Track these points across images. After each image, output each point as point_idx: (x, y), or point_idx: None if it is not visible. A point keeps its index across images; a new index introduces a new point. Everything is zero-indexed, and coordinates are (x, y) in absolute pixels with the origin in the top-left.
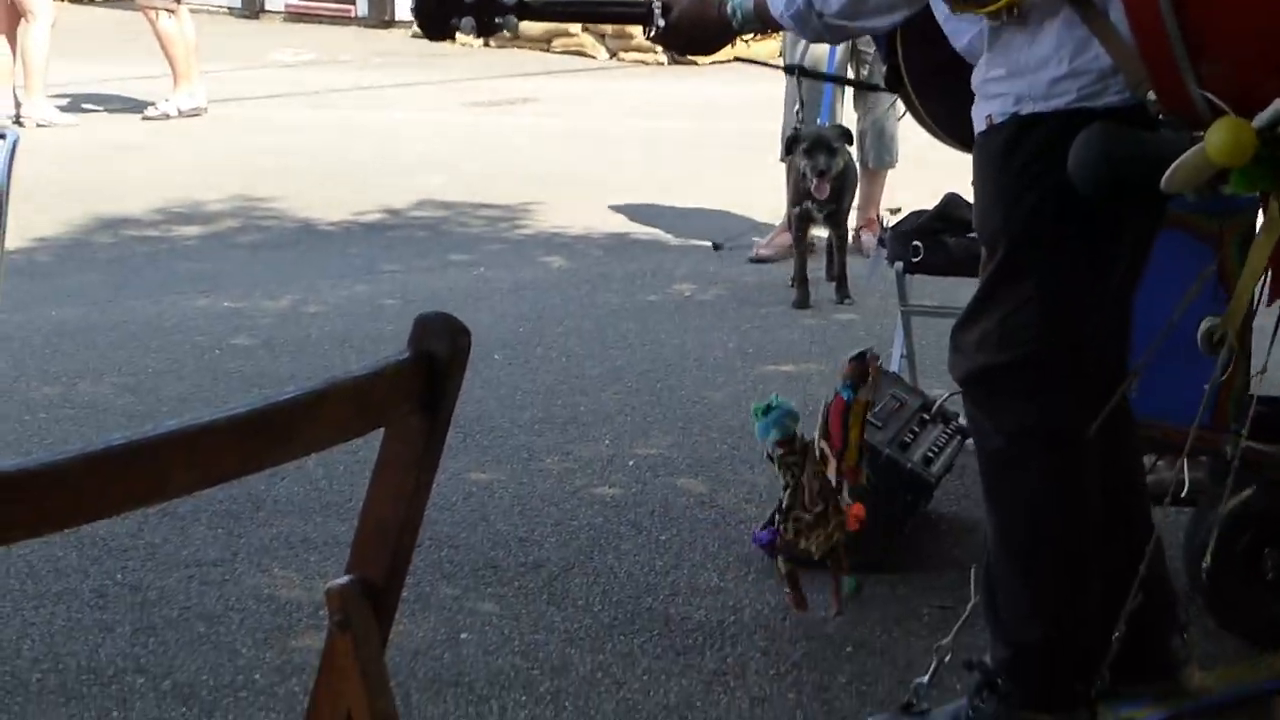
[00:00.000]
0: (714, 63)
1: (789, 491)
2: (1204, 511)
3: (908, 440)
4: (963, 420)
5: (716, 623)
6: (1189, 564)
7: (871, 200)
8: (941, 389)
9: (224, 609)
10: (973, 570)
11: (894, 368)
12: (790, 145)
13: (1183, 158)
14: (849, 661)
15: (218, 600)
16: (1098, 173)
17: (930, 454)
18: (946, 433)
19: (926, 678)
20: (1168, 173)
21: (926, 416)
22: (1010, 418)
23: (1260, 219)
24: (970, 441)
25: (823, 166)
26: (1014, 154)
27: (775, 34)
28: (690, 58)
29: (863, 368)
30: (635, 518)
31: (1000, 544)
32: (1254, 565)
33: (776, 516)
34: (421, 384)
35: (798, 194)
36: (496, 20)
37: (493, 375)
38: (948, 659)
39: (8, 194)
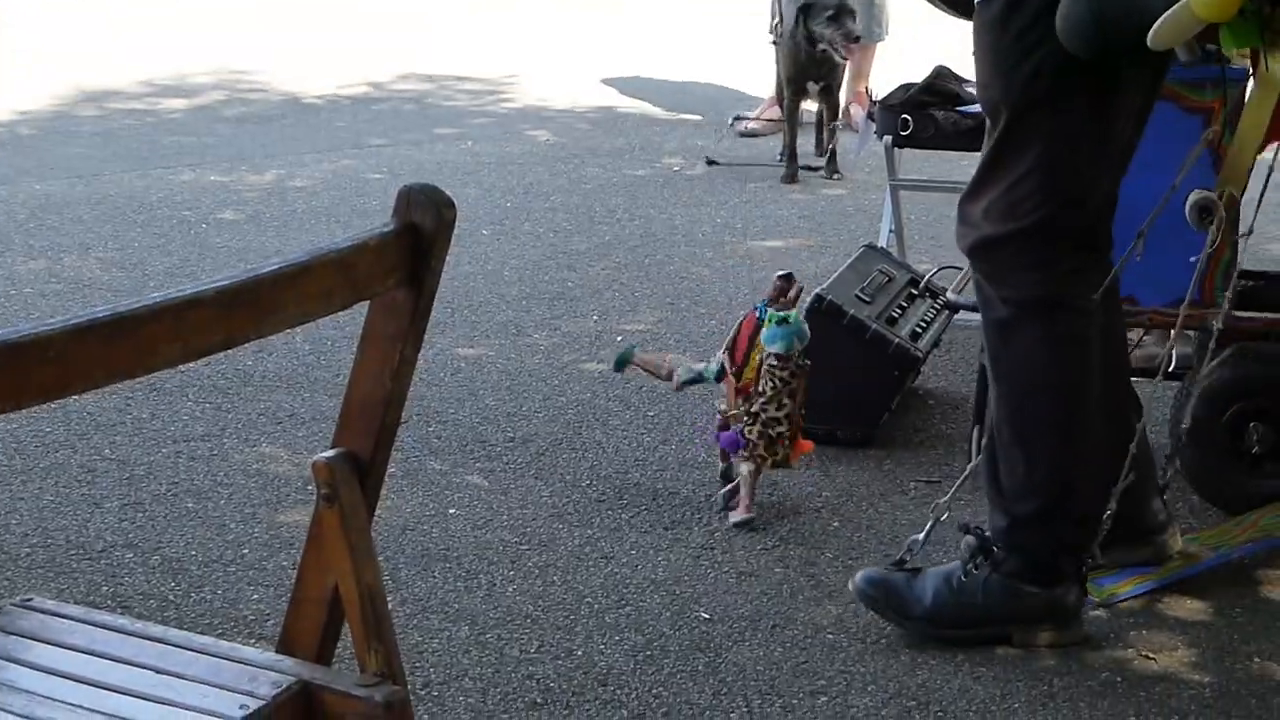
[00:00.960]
0: None
1: (765, 400)
2: (1188, 385)
3: (895, 315)
4: (951, 295)
5: (704, 497)
6: (1174, 437)
7: (861, 74)
8: (929, 263)
9: (212, 484)
10: (973, 433)
11: (882, 242)
12: (805, 12)
13: (1168, 13)
14: (835, 536)
15: (205, 475)
16: (1087, 33)
17: (918, 328)
18: (934, 308)
19: (921, 535)
20: (1154, 28)
21: (915, 291)
22: (1015, 287)
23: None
24: (958, 316)
25: (857, 32)
26: (1011, 20)
27: None
28: None
29: (785, 287)
30: (623, 393)
31: (1003, 414)
32: (1237, 439)
33: (745, 419)
34: (406, 257)
35: (795, 66)
36: None
37: (480, 250)
38: (944, 517)
39: None
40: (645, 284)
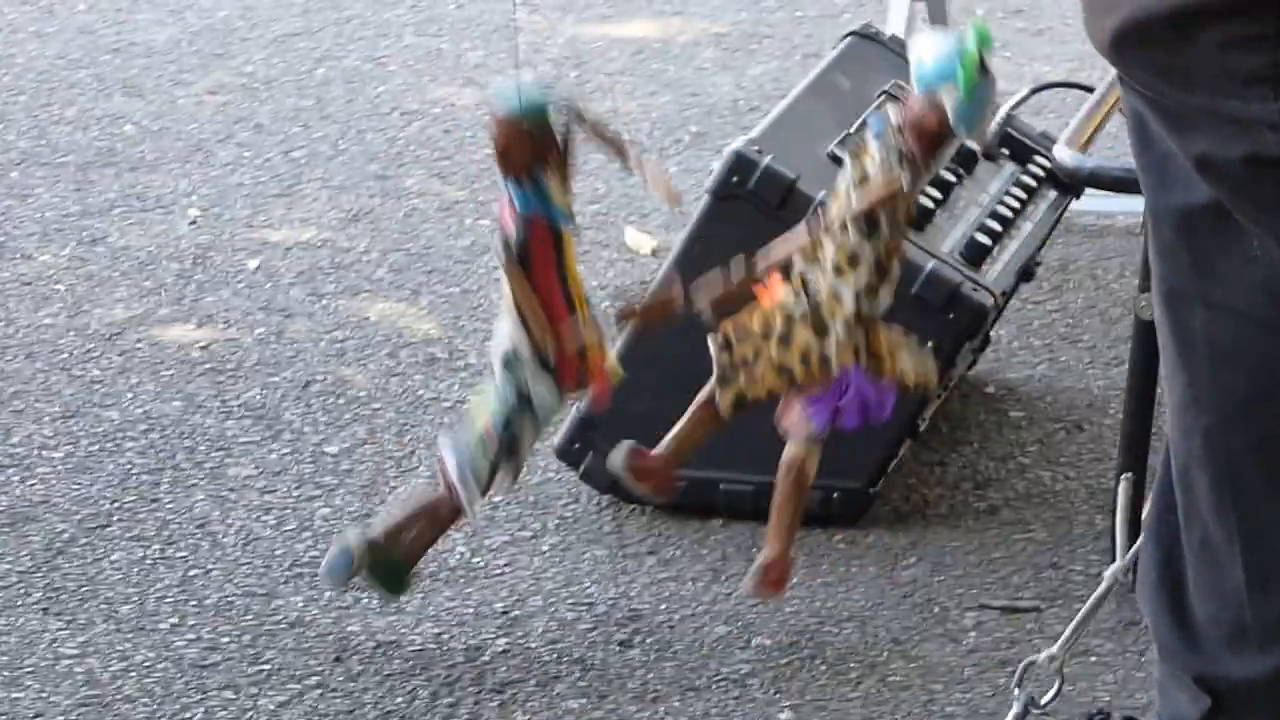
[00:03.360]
0: None
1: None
2: None
3: (927, 207)
4: (1065, 152)
5: None
6: None
7: None
8: (1008, 80)
9: None
10: (1116, 492)
11: (895, 26)
12: None
13: None
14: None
15: None
16: None
17: (983, 237)
18: (1021, 184)
19: None
20: None
21: (974, 147)
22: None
23: None
24: (1082, 204)
25: None
26: None
27: None
28: None
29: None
30: None
31: (1205, 469)
32: None
33: None
34: None
35: None
36: None
37: None
38: (1048, 699)
39: None
40: None
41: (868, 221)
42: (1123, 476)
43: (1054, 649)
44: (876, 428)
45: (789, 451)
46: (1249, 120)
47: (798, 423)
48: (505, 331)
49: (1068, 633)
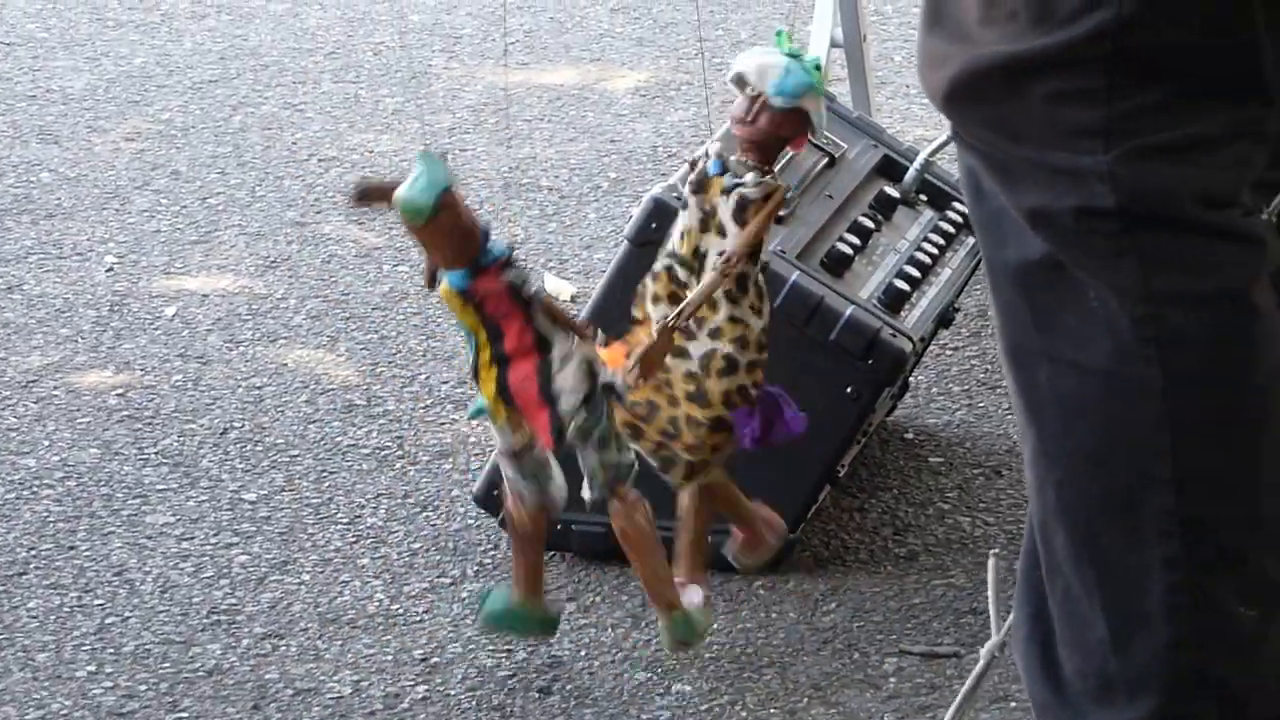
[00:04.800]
0: None
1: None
2: None
3: (845, 250)
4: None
5: None
6: None
7: None
8: (925, 125)
9: None
10: (990, 563)
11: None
12: None
13: None
14: None
15: None
16: None
17: (902, 282)
18: (940, 229)
19: None
20: None
21: (891, 192)
22: (1043, 190)
23: None
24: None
25: None
26: None
27: None
28: None
29: None
30: None
31: (1055, 512)
32: None
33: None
34: None
35: None
36: None
37: None
38: None
39: None
40: None
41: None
42: (991, 554)
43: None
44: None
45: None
46: (1079, 172)
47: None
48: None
49: (950, 714)
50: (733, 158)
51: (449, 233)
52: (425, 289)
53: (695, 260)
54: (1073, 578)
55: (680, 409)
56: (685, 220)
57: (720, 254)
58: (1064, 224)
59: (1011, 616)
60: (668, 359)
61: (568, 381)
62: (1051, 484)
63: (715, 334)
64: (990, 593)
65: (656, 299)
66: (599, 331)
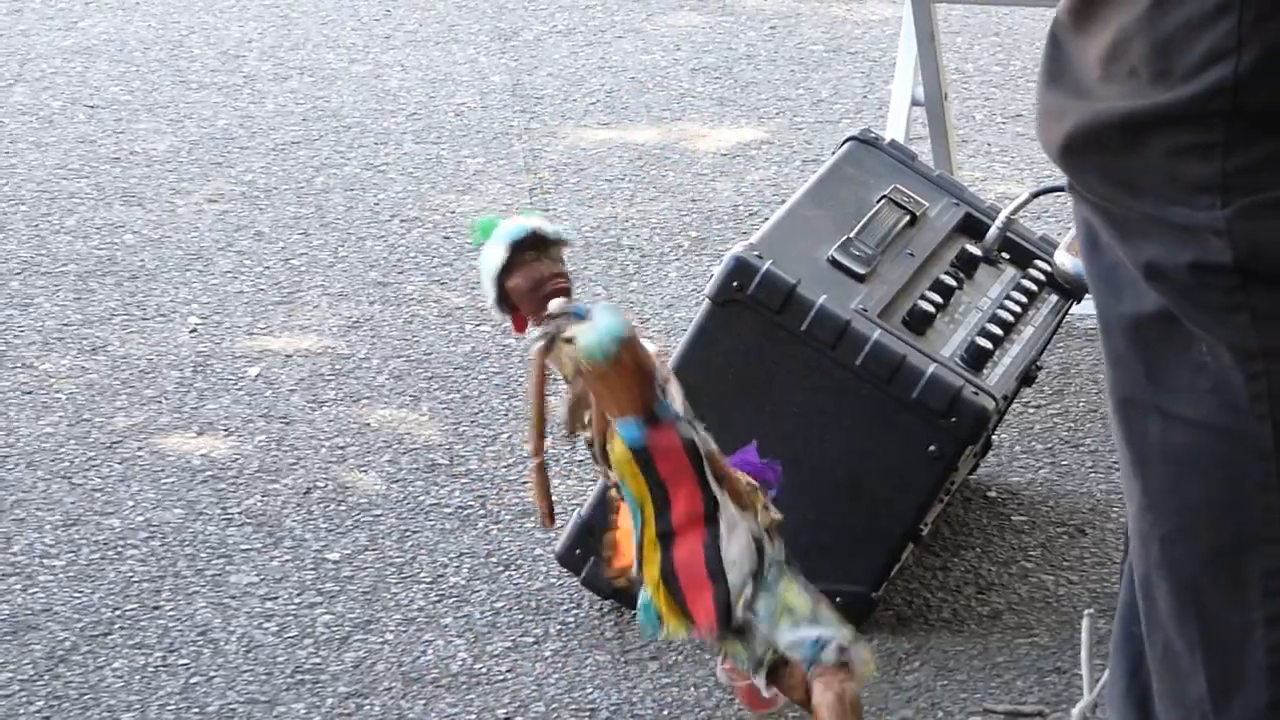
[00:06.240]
0: None
1: None
2: None
3: (928, 308)
4: (1065, 257)
5: None
6: None
7: None
8: (1009, 183)
9: None
10: (1084, 623)
11: (895, 131)
12: None
13: None
14: None
15: None
16: None
17: (984, 341)
18: (1022, 288)
19: None
20: None
21: (973, 251)
22: (1162, 244)
23: None
24: (1082, 308)
25: None
26: None
27: None
28: None
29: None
30: None
31: (1165, 576)
32: None
33: None
34: None
35: None
36: None
37: None
38: None
39: None
40: None
41: None
42: (1085, 614)
43: None
44: (874, 522)
45: None
46: (1196, 227)
47: None
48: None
49: None
50: None
51: (632, 372)
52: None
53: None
54: (1174, 633)
55: None
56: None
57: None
58: (1179, 278)
59: (1104, 676)
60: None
61: (736, 553)
62: (1156, 539)
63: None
64: (1083, 652)
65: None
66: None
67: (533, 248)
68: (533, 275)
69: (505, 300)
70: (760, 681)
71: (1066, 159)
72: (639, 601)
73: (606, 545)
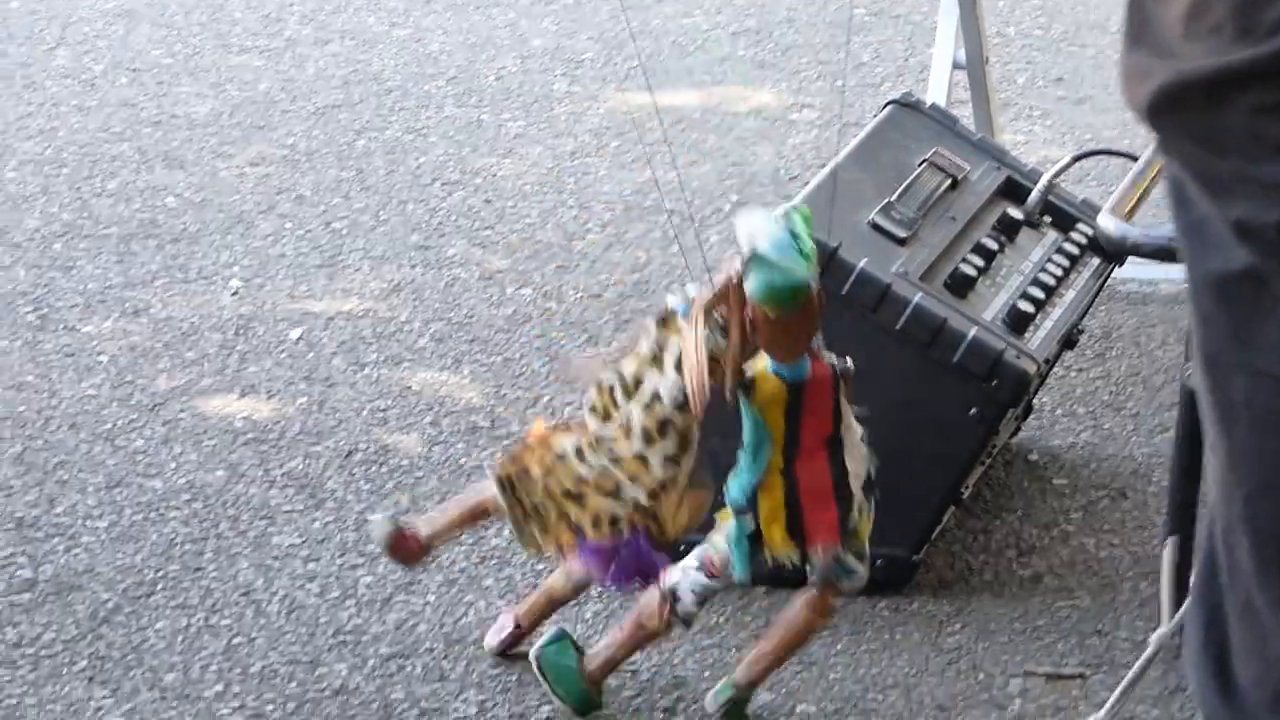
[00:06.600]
0: None
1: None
2: None
3: (969, 271)
4: (1108, 221)
5: None
6: None
7: None
8: (1050, 147)
9: None
10: (1164, 557)
11: (937, 95)
12: None
13: None
14: None
15: None
16: None
17: (1025, 304)
18: (1064, 252)
19: None
20: None
21: (1015, 214)
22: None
23: None
24: (1125, 272)
25: None
26: None
27: None
28: None
29: None
30: None
31: (1247, 531)
32: None
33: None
34: None
35: None
36: None
37: None
38: None
39: None
40: None
41: (684, 396)
42: (1169, 539)
43: (1100, 715)
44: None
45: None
46: None
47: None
48: None
49: (1113, 700)
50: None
51: (814, 316)
52: (711, 398)
53: (634, 386)
54: (1255, 589)
55: (553, 500)
56: (642, 347)
57: (654, 393)
58: (1268, 237)
59: (1184, 606)
60: (568, 451)
61: (855, 463)
62: (1240, 496)
63: (614, 453)
64: (1164, 579)
65: (594, 409)
66: None
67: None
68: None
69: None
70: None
71: (1153, 118)
72: (730, 537)
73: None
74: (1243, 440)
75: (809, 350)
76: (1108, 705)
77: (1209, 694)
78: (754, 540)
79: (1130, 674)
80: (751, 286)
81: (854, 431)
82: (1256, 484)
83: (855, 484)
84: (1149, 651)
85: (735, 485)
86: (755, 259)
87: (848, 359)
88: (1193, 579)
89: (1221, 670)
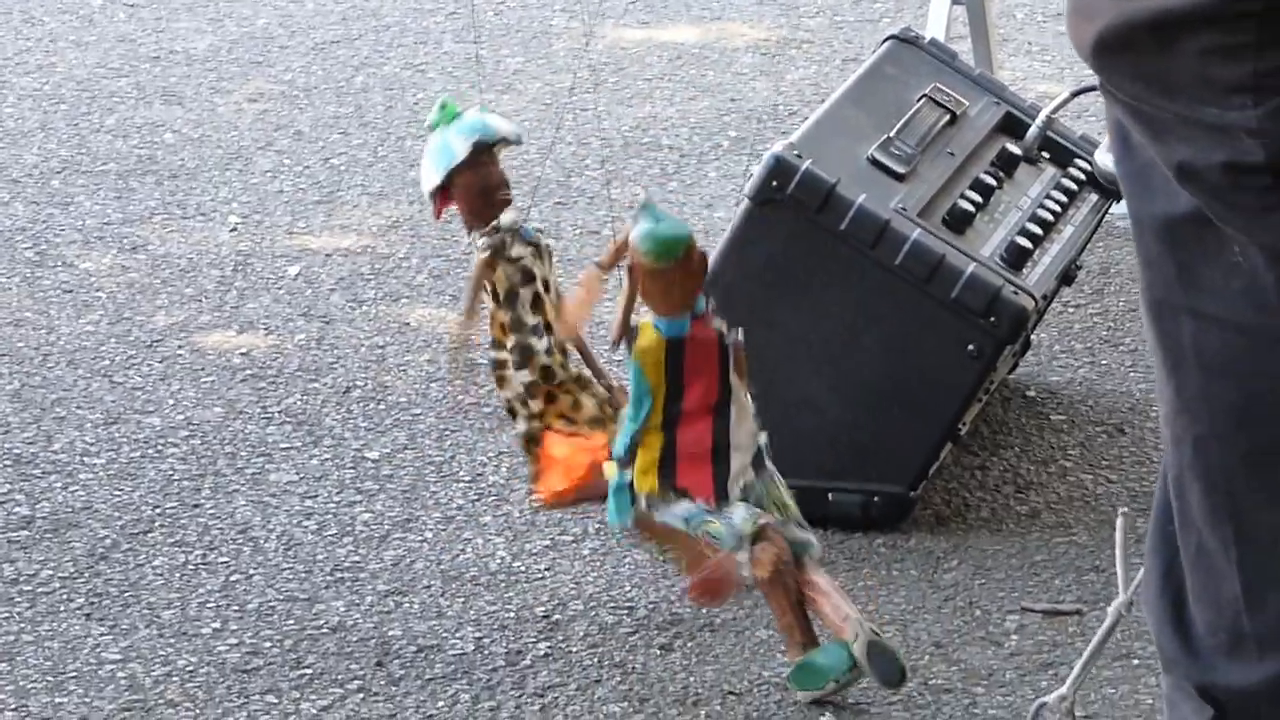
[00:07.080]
0: None
1: None
2: None
3: (968, 207)
4: (1105, 157)
5: None
6: None
7: None
8: (1049, 82)
9: None
10: (1118, 521)
11: (935, 30)
12: None
13: None
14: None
15: None
16: None
17: (1024, 239)
18: (1062, 187)
19: None
20: None
21: (1013, 149)
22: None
23: None
24: (1120, 206)
25: None
26: None
27: None
28: None
29: None
30: None
31: (1199, 477)
32: None
33: None
34: None
35: None
36: None
37: None
38: (1065, 700)
39: None
40: None
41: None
42: (1120, 511)
43: (1064, 689)
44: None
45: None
46: (1228, 127)
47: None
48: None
49: (1075, 672)
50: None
51: (694, 273)
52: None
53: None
54: (1207, 533)
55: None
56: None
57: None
58: (1212, 179)
59: (1140, 574)
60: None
61: (743, 437)
62: (1189, 440)
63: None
64: (1118, 551)
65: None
66: None
67: (489, 149)
68: (488, 179)
69: (442, 190)
70: (744, 557)
71: (1098, 59)
72: (610, 488)
73: (532, 476)
74: (1191, 384)
75: (693, 311)
76: (1070, 678)
77: (1167, 642)
78: (631, 490)
79: (1090, 646)
80: (634, 235)
81: (744, 407)
82: (1205, 428)
83: (738, 456)
84: (1108, 623)
85: (619, 439)
86: (644, 209)
87: (739, 331)
88: (1149, 527)
89: (1179, 616)
